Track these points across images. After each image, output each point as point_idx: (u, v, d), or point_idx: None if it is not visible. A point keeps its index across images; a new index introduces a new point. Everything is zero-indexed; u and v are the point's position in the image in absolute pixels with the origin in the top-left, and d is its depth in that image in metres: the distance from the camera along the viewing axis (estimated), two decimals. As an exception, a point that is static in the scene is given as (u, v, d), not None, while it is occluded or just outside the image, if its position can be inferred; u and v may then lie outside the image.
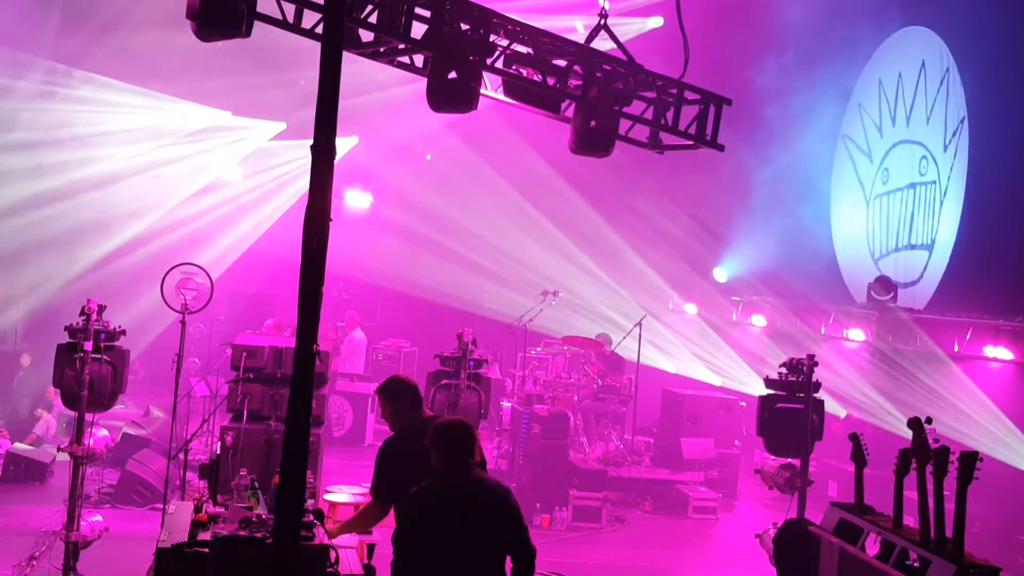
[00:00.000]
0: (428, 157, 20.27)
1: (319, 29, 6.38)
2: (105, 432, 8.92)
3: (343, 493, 9.80)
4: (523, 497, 12.46)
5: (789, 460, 8.98)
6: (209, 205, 19.51)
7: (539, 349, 16.31)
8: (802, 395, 8.87)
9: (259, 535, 5.76)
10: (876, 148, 16.16)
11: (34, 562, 8.85)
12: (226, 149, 19.56)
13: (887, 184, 15.76)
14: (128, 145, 18.02)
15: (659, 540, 12.20)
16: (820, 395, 8.95)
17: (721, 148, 8.18)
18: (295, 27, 6.65)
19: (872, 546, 6.43)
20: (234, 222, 19.80)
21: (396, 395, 6.21)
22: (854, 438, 7.16)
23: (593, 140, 7.70)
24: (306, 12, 6.60)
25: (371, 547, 6.44)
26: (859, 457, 7.04)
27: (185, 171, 19.04)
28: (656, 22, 18.00)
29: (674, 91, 7.96)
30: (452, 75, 7.03)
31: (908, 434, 6.04)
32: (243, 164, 19.85)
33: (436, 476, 5.55)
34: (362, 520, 6.24)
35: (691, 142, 8.14)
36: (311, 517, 5.94)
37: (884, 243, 15.67)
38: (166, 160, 18.74)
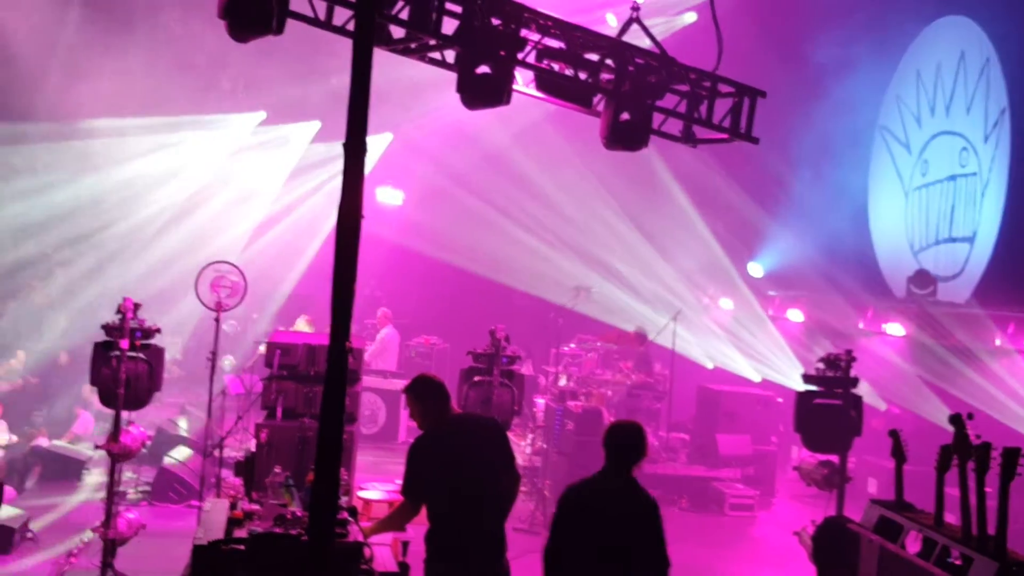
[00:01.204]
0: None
1: (350, 26, 6.38)
2: (141, 429, 8.97)
3: (377, 490, 9.83)
4: (557, 494, 12.43)
5: (827, 457, 8.89)
6: (252, 208, 19.81)
7: (572, 345, 16.25)
8: (840, 391, 8.78)
9: (294, 532, 5.79)
10: (915, 140, 15.97)
11: (72, 559, 8.94)
12: (269, 153, 19.79)
13: (926, 176, 15.58)
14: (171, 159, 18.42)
15: (696, 538, 12.10)
16: (858, 390, 8.84)
17: (756, 141, 8.09)
18: (326, 24, 6.64)
19: (913, 544, 6.35)
20: (272, 221, 19.97)
21: (423, 394, 6.17)
22: (894, 434, 7.07)
23: (625, 134, 7.63)
24: (337, 9, 6.59)
25: (405, 544, 6.43)
26: (899, 453, 6.96)
27: (229, 177, 19.31)
28: (690, 18, 17.86)
29: (707, 84, 7.88)
30: (482, 70, 6.99)
31: (949, 430, 5.95)
32: (283, 164, 20.03)
33: (593, 476, 5.80)
34: (395, 519, 6.22)
35: (725, 135, 8.06)
36: (345, 514, 5.93)
37: (924, 236, 15.48)
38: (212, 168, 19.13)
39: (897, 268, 15.81)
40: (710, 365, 17.87)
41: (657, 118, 7.83)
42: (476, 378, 9.13)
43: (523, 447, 13.75)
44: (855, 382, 8.80)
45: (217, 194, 19.19)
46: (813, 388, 8.91)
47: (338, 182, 4.35)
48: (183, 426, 13.11)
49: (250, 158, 19.48)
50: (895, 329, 14.60)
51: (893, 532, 6.50)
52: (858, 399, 8.85)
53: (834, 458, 8.83)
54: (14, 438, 12.81)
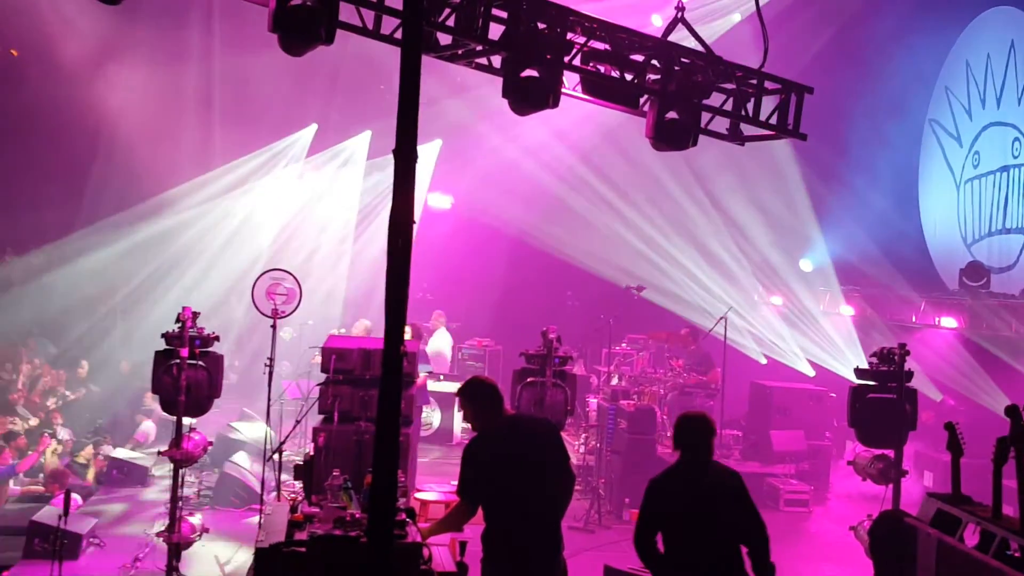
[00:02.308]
0: None
1: (398, 34, 6.47)
2: (202, 435, 9.15)
3: (433, 492, 9.94)
4: (611, 493, 12.50)
5: (882, 451, 8.85)
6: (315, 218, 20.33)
7: (624, 345, 16.26)
8: (894, 385, 8.73)
9: (353, 534, 5.89)
10: (965, 131, 15.79)
11: (138, 563, 9.16)
12: (338, 172, 20.31)
13: (978, 168, 15.40)
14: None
15: (751, 534, 12.04)
16: (912, 384, 8.79)
17: (804, 137, 8.08)
18: (374, 33, 6.73)
19: (971, 537, 6.32)
20: (327, 228, 20.28)
21: (476, 396, 6.24)
22: (950, 427, 7.03)
23: (672, 134, 7.66)
24: (385, 18, 6.69)
25: (463, 544, 6.50)
26: (955, 447, 6.92)
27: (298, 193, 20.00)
28: (734, 18, 17.73)
29: (754, 81, 7.89)
30: (527, 73, 7.05)
31: (1005, 421, 5.93)
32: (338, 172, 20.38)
33: (676, 465, 6.07)
34: (452, 519, 6.29)
35: (772, 132, 8.06)
36: (404, 516, 6.03)
37: (977, 228, 15.31)
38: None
39: (950, 260, 15.64)
40: (763, 361, 17.78)
41: (704, 117, 7.85)
42: (529, 379, 9.16)
43: (577, 446, 13.78)
44: (909, 376, 8.75)
45: (297, 221, 19.89)
46: (867, 383, 8.87)
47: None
48: (243, 431, 13.30)
49: (321, 180, 20.22)
50: (948, 322, 14.45)
51: (951, 525, 6.47)
52: (912, 393, 8.80)
53: (889, 452, 8.78)
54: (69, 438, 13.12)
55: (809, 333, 17.50)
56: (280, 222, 19.84)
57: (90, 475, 12.74)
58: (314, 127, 19.89)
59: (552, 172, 18.95)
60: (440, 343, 17.31)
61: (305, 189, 20.16)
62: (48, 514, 9.43)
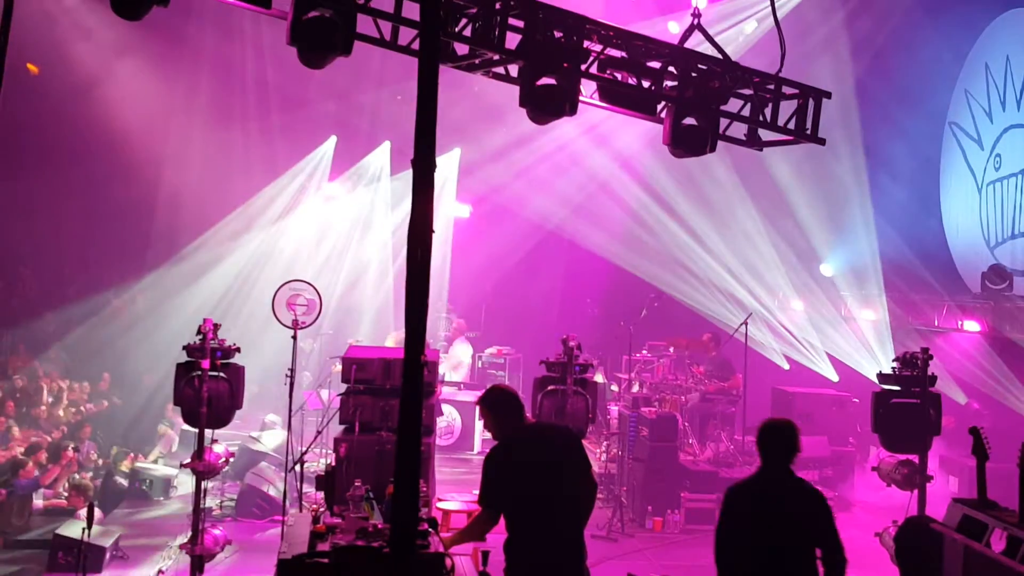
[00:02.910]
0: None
1: (415, 45, 6.49)
2: (224, 447, 9.17)
3: (455, 501, 9.92)
4: (634, 500, 12.46)
5: (907, 456, 8.79)
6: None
7: (644, 352, 16.21)
8: (918, 389, 8.68)
9: (376, 544, 5.88)
10: (986, 134, 15.70)
11: (161, 575, 9.17)
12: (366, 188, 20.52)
13: (1000, 170, 15.31)
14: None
15: (775, 541, 11.95)
16: (936, 387, 8.74)
17: (822, 142, 8.06)
18: (392, 44, 6.76)
19: (998, 542, 6.27)
20: (349, 240, 20.40)
21: (496, 405, 6.23)
22: (975, 432, 6.98)
23: (689, 140, 7.66)
24: (402, 29, 6.71)
25: (485, 554, 6.49)
26: (980, 451, 6.87)
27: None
28: (749, 27, 17.64)
29: (771, 87, 7.88)
30: (544, 82, 7.05)
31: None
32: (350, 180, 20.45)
33: (756, 475, 6.09)
34: (474, 529, 6.27)
35: (791, 137, 8.04)
36: (426, 526, 6.02)
37: (999, 230, 15.21)
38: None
39: (972, 263, 15.53)
40: (786, 366, 17.69)
41: (722, 122, 7.84)
42: (549, 387, 9.15)
43: (598, 454, 13.75)
44: (933, 380, 8.70)
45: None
46: (890, 387, 8.81)
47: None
48: (264, 442, 13.34)
49: (347, 198, 20.40)
50: (971, 325, 14.35)
51: (977, 531, 6.43)
52: (936, 398, 8.74)
53: (914, 457, 8.72)
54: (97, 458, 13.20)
55: (831, 338, 17.40)
56: (320, 243, 20.07)
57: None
58: (333, 139, 19.98)
59: (573, 178, 18.94)
60: (460, 352, 17.32)
61: (336, 208, 20.29)
62: (71, 528, 9.48)
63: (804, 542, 5.83)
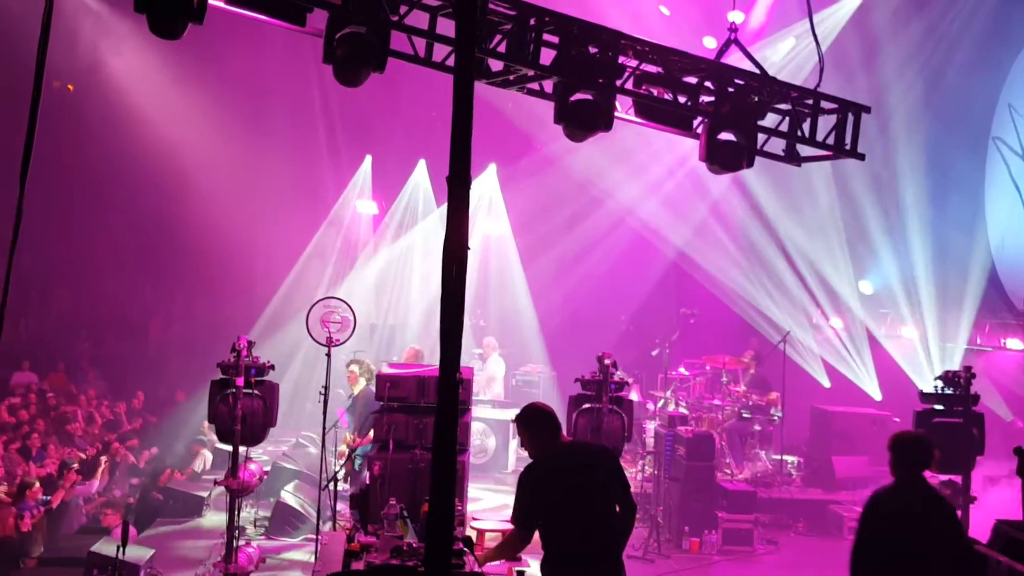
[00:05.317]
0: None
1: (449, 61, 6.47)
2: (258, 465, 9.16)
3: (489, 520, 9.85)
4: (670, 520, 12.33)
5: (950, 476, 8.64)
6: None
7: (682, 370, 16.08)
8: (960, 408, 8.53)
9: (411, 563, 5.84)
10: (1031, 149, 15.55)
11: (196, 593, 9.17)
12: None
13: (1046, 185, 15.14)
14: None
15: (816, 562, 11.75)
16: (980, 408, 8.59)
17: (861, 157, 7.95)
18: (426, 61, 6.74)
19: (1044, 566, 6.11)
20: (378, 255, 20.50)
21: (533, 423, 6.17)
22: (1019, 452, 6.82)
23: (725, 156, 7.57)
24: (436, 45, 6.70)
25: (520, 573, 6.42)
26: (1025, 472, 6.71)
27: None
28: (788, 44, 17.48)
29: (810, 101, 7.79)
30: (578, 97, 7.00)
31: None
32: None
33: (894, 484, 6.24)
34: (507, 547, 6.21)
35: (830, 153, 7.95)
36: (461, 545, 5.97)
37: (1046, 247, 15.01)
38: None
39: (1020, 280, 15.32)
40: (827, 384, 17.48)
41: (760, 138, 7.75)
42: (585, 405, 9.08)
43: (634, 474, 13.63)
44: (976, 399, 8.55)
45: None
46: (933, 406, 8.67)
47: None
48: (298, 460, 13.33)
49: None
50: (1014, 343, 14.13)
51: (1022, 553, 6.27)
52: (980, 417, 8.59)
53: (957, 478, 8.56)
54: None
55: (872, 356, 17.16)
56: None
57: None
58: (369, 159, 20.12)
59: (606, 194, 18.87)
60: (494, 369, 17.26)
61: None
62: (106, 545, 9.49)
63: (941, 549, 6.06)
